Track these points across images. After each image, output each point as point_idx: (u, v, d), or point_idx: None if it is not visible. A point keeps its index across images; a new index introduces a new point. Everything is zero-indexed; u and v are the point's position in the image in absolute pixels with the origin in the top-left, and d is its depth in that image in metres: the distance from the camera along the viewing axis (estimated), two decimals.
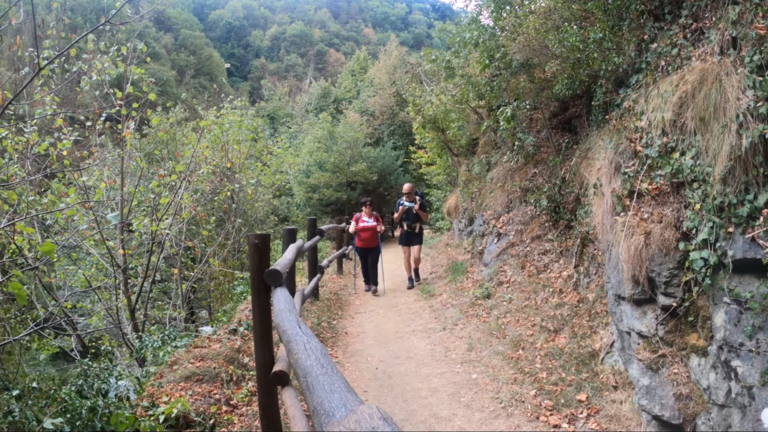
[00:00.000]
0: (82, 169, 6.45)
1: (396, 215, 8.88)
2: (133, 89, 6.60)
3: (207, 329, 5.54)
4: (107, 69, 6.44)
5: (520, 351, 4.94)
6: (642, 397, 3.51)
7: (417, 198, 8.62)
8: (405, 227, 8.79)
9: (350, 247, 11.36)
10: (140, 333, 6.22)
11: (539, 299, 5.79)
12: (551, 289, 5.80)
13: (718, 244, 3.11)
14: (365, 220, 8.61)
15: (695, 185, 3.39)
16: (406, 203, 8.63)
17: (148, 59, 7.51)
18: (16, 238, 5.33)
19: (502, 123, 7.14)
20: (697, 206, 3.30)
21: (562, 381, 4.18)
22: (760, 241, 2.84)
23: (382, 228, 8.77)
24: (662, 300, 3.53)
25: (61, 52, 4.49)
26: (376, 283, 8.83)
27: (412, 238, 8.79)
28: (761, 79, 3.01)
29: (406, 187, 8.84)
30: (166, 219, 7.50)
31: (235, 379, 4.15)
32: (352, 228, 8.76)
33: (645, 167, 3.86)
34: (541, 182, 6.94)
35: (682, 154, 3.53)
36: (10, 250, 5.73)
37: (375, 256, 8.80)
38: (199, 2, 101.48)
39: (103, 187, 6.73)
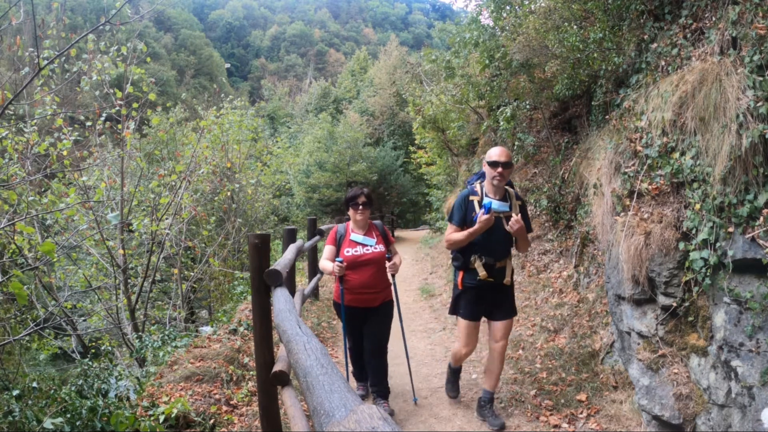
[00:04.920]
0: (82, 169, 6.45)
1: (463, 235, 3.47)
2: (133, 89, 6.60)
3: (207, 329, 5.55)
4: (107, 69, 6.44)
5: (520, 351, 4.94)
6: (642, 397, 3.51)
7: (511, 192, 3.64)
8: (480, 268, 3.51)
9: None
10: (140, 333, 6.23)
11: (539, 299, 5.79)
12: (551, 289, 5.80)
13: (718, 244, 3.11)
14: (357, 239, 3.77)
15: (695, 185, 3.39)
16: (495, 204, 3.46)
17: (148, 59, 7.51)
18: (16, 238, 5.34)
19: (502, 123, 7.14)
20: (697, 206, 3.30)
21: (562, 381, 4.18)
22: (760, 241, 2.84)
23: (398, 260, 3.88)
24: (662, 300, 3.53)
25: (61, 52, 4.49)
26: (385, 395, 3.87)
27: (496, 300, 3.62)
28: (761, 79, 3.01)
29: (496, 152, 3.48)
30: (166, 219, 7.50)
31: (235, 379, 4.15)
32: (326, 264, 3.72)
33: (645, 167, 3.86)
34: (541, 182, 6.94)
35: (682, 154, 3.53)
36: (10, 250, 5.74)
37: (383, 328, 3.85)
38: (199, 2, 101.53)
39: (103, 187, 6.73)
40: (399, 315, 4.00)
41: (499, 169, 3.43)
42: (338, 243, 3.78)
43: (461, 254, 3.59)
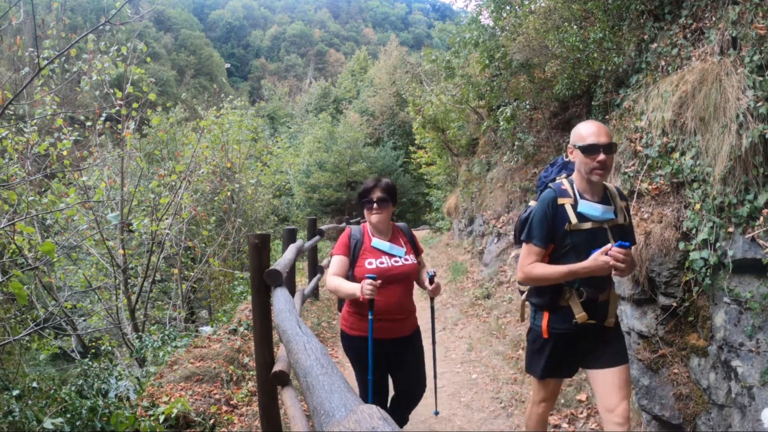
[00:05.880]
0: (82, 169, 6.45)
1: (559, 272, 2.28)
2: (133, 89, 6.61)
3: (207, 329, 5.55)
4: (107, 69, 6.44)
5: (520, 351, 4.94)
6: (642, 397, 3.51)
7: (612, 190, 2.44)
8: (578, 306, 2.34)
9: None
10: (140, 333, 6.23)
11: None
12: None
13: (718, 244, 3.11)
14: (381, 247, 2.74)
15: (695, 185, 3.39)
16: (598, 210, 2.31)
17: (148, 59, 7.51)
18: (16, 238, 5.33)
19: (502, 123, 7.15)
20: (697, 206, 3.30)
21: None
22: (760, 241, 2.84)
23: (435, 282, 2.76)
24: (662, 300, 3.53)
25: (61, 52, 4.49)
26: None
27: (595, 346, 2.41)
28: (761, 79, 3.01)
29: (592, 130, 2.28)
30: (166, 219, 7.50)
31: (235, 379, 4.15)
32: (340, 283, 2.60)
33: (645, 167, 3.86)
34: None
35: (682, 154, 3.53)
36: (10, 250, 5.74)
37: (421, 370, 2.89)
38: (199, 2, 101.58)
39: (103, 187, 6.73)
40: (432, 328, 3.12)
41: (601, 156, 2.24)
42: (353, 253, 2.71)
43: (547, 286, 2.42)
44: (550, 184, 2.46)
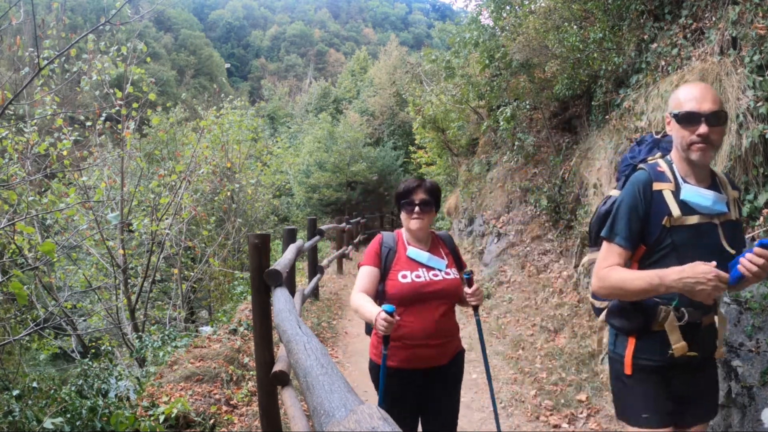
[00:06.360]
0: (82, 169, 6.45)
1: (648, 281, 1.63)
2: (133, 89, 6.60)
3: (207, 329, 5.54)
4: (107, 69, 6.44)
5: (520, 351, 4.94)
6: None
7: (721, 176, 1.80)
8: (676, 332, 1.69)
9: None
10: (140, 333, 6.23)
11: (539, 299, 5.79)
12: (551, 289, 5.81)
13: None
14: (418, 258, 2.26)
15: None
16: (716, 204, 1.68)
17: (148, 59, 7.51)
18: (16, 238, 5.34)
19: (502, 123, 7.15)
20: None
21: (562, 381, 4.18)
22: None
23: (478, 294, 2.23)
24: None
25: (61, 52, 4.50)
26: None
27: (691, 387, 1.80)
28: (761, 79, 3.01)
29: (693, 94, 1.69)
30: (166, 219, 7.50)
31: (235, 379, 4.15)
32: (362, 302, 2.11)
33: None
34: (541, 182, 6.94)
35: None
36: (10, 250, 5.74)
37: (453, 404, 2.34)
38: (199, 2, 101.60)
39: (103, 187, 6.73)
40: (483, 351, 2.52)
41: (702, 128, 1.65)
42: (385, 263, 2.25)
43: (633, 303, 1.79)
44: (640, 165, 1.83)
